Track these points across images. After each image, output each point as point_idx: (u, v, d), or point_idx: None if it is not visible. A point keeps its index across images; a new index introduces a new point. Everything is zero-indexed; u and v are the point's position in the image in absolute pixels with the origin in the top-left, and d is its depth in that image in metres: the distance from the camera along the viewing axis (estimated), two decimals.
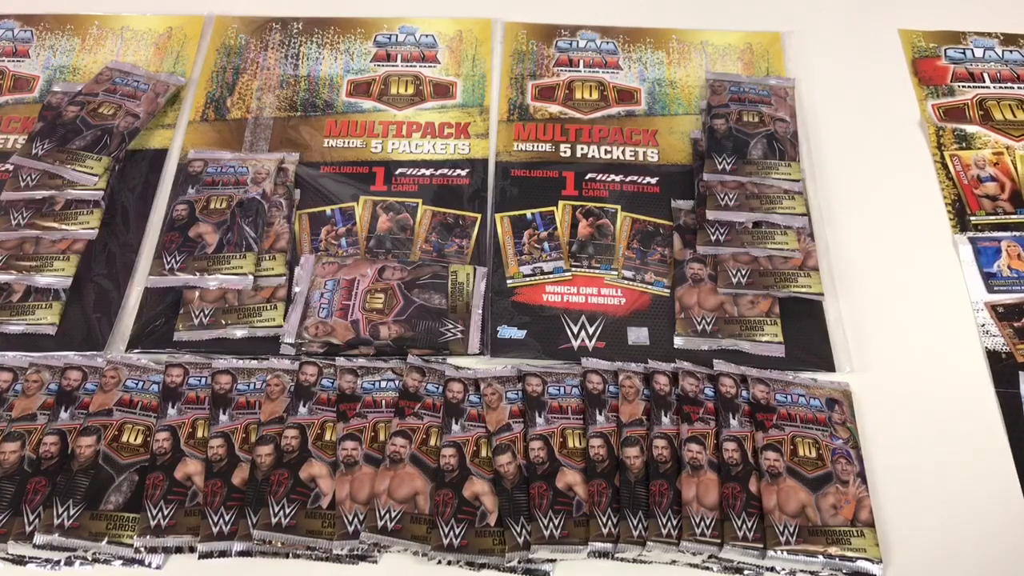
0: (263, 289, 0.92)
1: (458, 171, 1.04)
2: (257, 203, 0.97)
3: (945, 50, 1.16)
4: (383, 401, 0.84)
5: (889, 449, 0.84)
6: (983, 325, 0.92)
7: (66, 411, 0.82)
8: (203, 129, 1.07)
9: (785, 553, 0.75)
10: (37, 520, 0.75)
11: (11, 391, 0.84)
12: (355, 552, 0.76)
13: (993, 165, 1.04)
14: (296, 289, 0.92)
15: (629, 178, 1.03)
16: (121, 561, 0.76)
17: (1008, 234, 0.98)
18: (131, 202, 1.00)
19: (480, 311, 0.91)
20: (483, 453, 0.80)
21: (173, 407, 0.82)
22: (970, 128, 1.08)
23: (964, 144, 1.07)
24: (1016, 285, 0.94)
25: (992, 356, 0.90)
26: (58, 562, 0.76)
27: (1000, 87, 1.12)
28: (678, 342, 0.90)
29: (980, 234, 0.98)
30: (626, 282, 0.94)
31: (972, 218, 1.00)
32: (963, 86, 1.13)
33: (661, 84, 1.13)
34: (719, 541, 0.75)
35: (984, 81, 1.13)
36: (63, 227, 0.95)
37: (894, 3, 1.22)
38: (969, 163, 1.05)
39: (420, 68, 1.14)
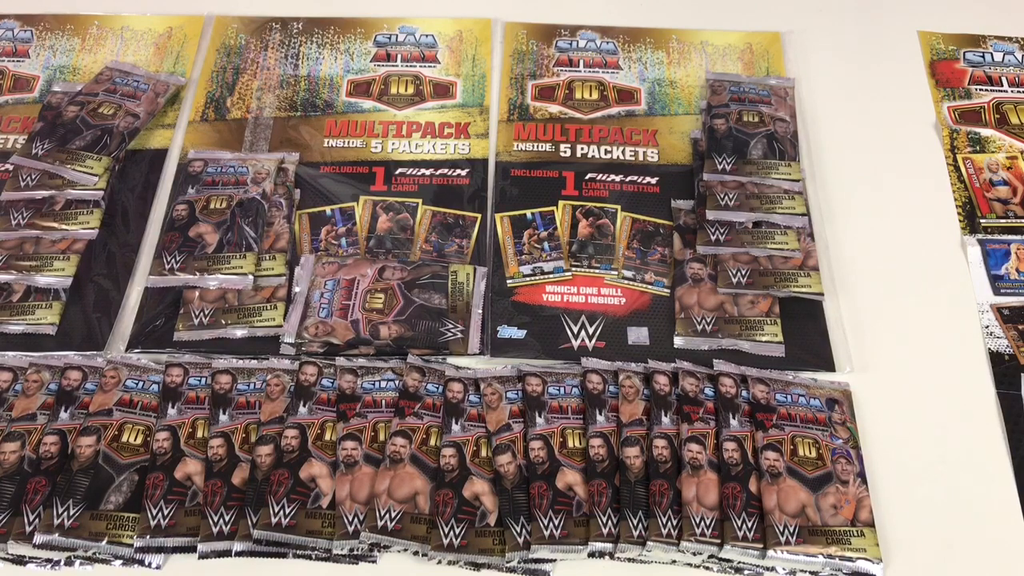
0: (263, 289, 0.92)
1: (458, 171, 1.04)
2: (257, 203, 0.97)
3: (964, 53, 1.16)
4: (383, 401, 0.84)
5: (889, 449, 0.84)
6: (987, 327, 0.92)
7: (66, 411, 0.82)
8: (203, 129, 1.07)
9: (785, 553, 0.75)
10: (37, 520, 0.75)
11: (11, 391, 0.84)
12: (355, 552, 0.76)
13: (1006, 169, 1.04)
14: (296, 289, 0.92)
15: (629, 178, 1.03)
16: (121, 561, 0.76)
17: (1019, 237, 0.98)
18: (131, 202, 1.00)
19: (480, 311, 0.91)
20: (483, 453, 0.80)
21: (173, 407, 0.82)
22: (985, 131, 1.08)
23: (978, 147, 1.07)
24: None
25: (995, 358, 0.90)
26: (58, 562, 0.76)
27: (1018, 91, 1.12)
28: (678, 342, 0.90)
29: (990, 236, 0.98)
30: (626, 282, 0.94)
31: (982, 221, 1.00)
32: (980, 89, 1.13)
33: (661, 84, 1.13)
34: (719, 541, 0.75)
35: (1002, 85, 1.13)
36: (63, 227, 0.95)
37: (911, 5, 1.22)
38: (982, 166, 1.04)
39: (420, 68, 1.14)
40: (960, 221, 1.00)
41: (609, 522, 0.76)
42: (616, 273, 0.95)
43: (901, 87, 1.13)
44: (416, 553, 0.76)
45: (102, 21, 1.18)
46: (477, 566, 0.76)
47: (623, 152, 1.06)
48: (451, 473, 0.79)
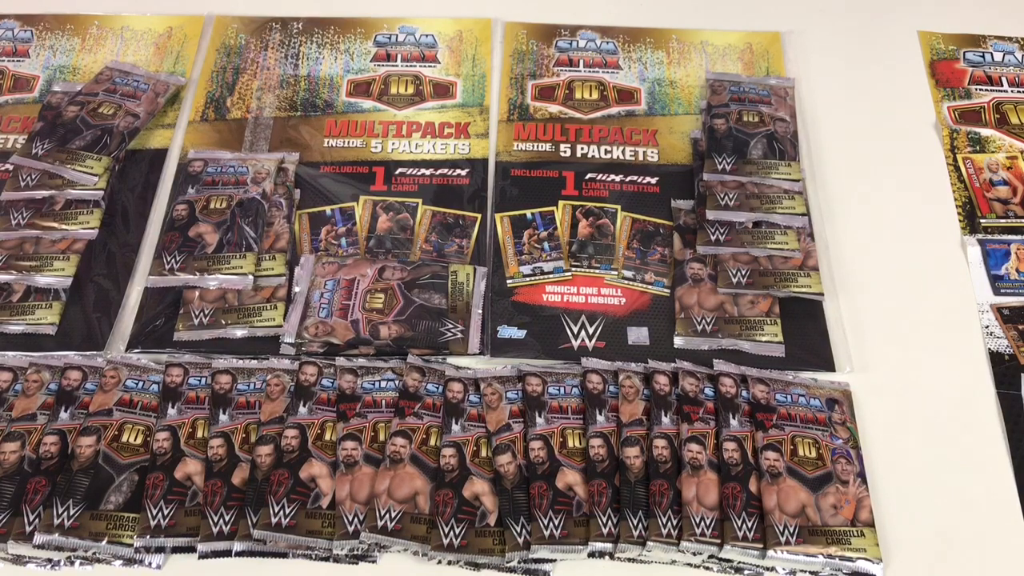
0: (263, 289, 0.92)
1: (458, 171, 1.04)
2: (257, 203, 0.97)
3: (964, 53, 1.16)
4: (383, 401, 0.84)
5: (889, 449, 0.84)
6: (987, 327, 0.92)
7: (66, 411, 0.82)
8: (203, 129, 1.07)
9: (785, 553, 0.75)
10: (37, 520, 0.75)
11: (11, 391, 0.84)
12: (355, 552, 0.76)
13: (1007, 169, 1.04)
14: (296, 289, 0.92)
15: (629, 178, 1.03)
16: (121, 561, 0.76)
17: (1019, 237, 0.98)
18: (131, 202, 1.00)
19: (480, 311, 0.91)
20: (483, 453, 0.80)
21: (173, 407, 0.82)
22: (985, 131, 1.08)
23: (978, 147, 1.07)
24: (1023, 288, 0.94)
25: (995, 357, 0.90)
26: (58, 562, 0.76)
27: (1018, 91, 1.12)
28: (678, 342, 0.90)
29: (990, 236, 0.98)
30: (626, 282, 0.94)
31: (982, 221, 1.00)
32: (980, 89, 1.13)
33: (661, 84, 1.13)
34: (719, 541, 0.75)
35: (1002, 85, 1.13)
36: (63, 227, 0.95)
37: (911, 4, 1.22)
38: (982, 166, 1.04)
39: (420, 68, 1.14)
40: (960, 221, 1.00)
41: (609, 522, 0.76)
42: (616, 273, 0.95)
43: (901, 87, 1.13)
44: (416, 553, 0.76)
45: (102, 21, 1.18)
46: (477, 566, 0.76)
47: (623, 152, 1.06)
48: (451, 473, 0.79)
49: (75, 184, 0.98)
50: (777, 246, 0.94)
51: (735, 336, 0.90)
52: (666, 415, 0.82)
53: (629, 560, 0.77)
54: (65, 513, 0.75)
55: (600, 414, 0.82)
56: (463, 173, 1.04)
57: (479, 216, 1.00)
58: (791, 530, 0.76)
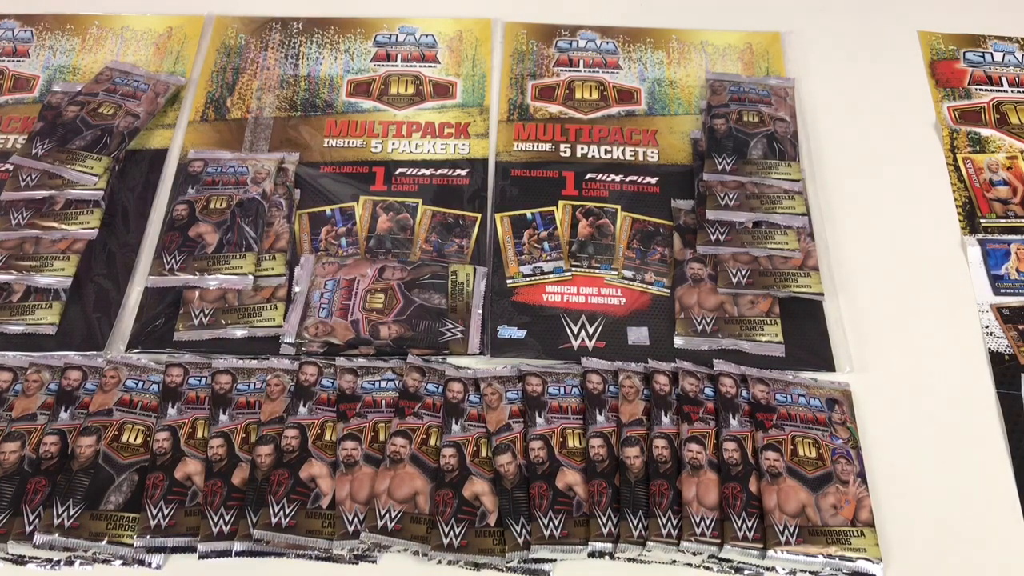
0: (263, 289, 0.92)
1: (458, 171, 1.04)
2: (257, 203, 0.97)
3: (964, 53, 1.16)
4: (383, 401, 0.84)
5: (889, 449, 0.84)
6: (987, 327, 0.92)
7: (66, 411, 0.82)
8: (203, 129, 1.07)
9: (785, 553, 0.75)
10: (37, 520, 0.75)
11: (11, 391, 0.84)
12: (355, 552, 0.76)
13: (1006, 169, 1.04)
14: (296, 289, 0.92)
15: (629, 178, 1.03)
16: (121, 561, 0.76)
17: (1019, 237, 0.98)
18: (131, 202, 1.00)
19: (480, 311, 0.91)
20: (483, 453, 0.80)
21: (173, 407, 0.82)
22: (985, 131, 1.08)
23: (978, 147, 1.07)
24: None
25: (995, 357, 0.90)
26: (58, 562, 0.76)
27: (1018, 91, 1.12)
28: (678, 342, 0.90)
29: (990, 236, 0.98)
30: (626, 282, 0.94)
31: (982, 221, 1.00)
32: (980, 89, 1.12)
33: (661, 84, 1.13)
34: (719, 541, 0.75)
35: (1002, 85, 1.13)
36: (63, 227, 0.95)
37: (911, 4, 1.22)
38: (982, 166, 1.04)
39: (420, 68, 1.14)
40: (960, 221, 1.00)
41: (609, 522, 0.76)
42: (616, 273, 0.95)
43: (901, 87, 1.13)
44: (416, 553, 0.76)
45: (102, 21, 1.18)
46: (477, 566, 0.76)
47: (623, 152, 1.06)
48: (451, 473, 0.79)
49: (75, 184, 0.98)
50: (777, 246, 0.94)
51: (735, 336, 0.90)
52: (666, 415, 0.82)
53: (629, 560, 0.77)
54: (65, 513, 0.75)
55: (600, 414, 0.82)
56: (463, 173, 1.04)
57: (479, 216, 1.00)
58: (791, 530, 0.76)
